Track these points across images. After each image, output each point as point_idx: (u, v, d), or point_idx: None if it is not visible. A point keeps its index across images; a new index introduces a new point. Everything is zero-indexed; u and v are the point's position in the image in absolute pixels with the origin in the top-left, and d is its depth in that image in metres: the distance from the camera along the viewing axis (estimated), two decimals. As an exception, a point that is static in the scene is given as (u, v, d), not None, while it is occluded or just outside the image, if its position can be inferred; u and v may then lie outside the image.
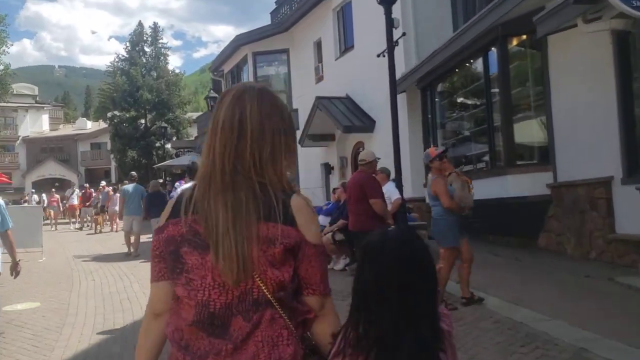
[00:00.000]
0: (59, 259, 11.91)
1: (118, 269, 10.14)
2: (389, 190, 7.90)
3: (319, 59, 18.23)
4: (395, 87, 8.79)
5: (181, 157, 27.25)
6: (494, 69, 9.91)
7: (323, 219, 9.26)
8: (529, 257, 8.56)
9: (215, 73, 24.22)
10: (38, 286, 8.63)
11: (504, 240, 9.97)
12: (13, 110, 51.65)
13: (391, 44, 8.69)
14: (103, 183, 21.95)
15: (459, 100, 12.02)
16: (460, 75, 11.86)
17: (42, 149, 51.82)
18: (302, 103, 18.79)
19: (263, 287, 1.39)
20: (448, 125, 12.47)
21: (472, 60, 11.11)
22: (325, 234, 8.77)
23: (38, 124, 53.69)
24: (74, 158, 52.38)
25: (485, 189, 9.89)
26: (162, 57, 35.72)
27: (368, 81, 14.89)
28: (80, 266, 10.79)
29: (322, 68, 17.96)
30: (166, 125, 30.61)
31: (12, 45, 24.10)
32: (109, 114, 35.90)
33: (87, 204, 20.59)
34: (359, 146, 16.08)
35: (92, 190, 21.50)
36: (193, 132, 33.41)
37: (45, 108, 56.73)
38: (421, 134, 12.94)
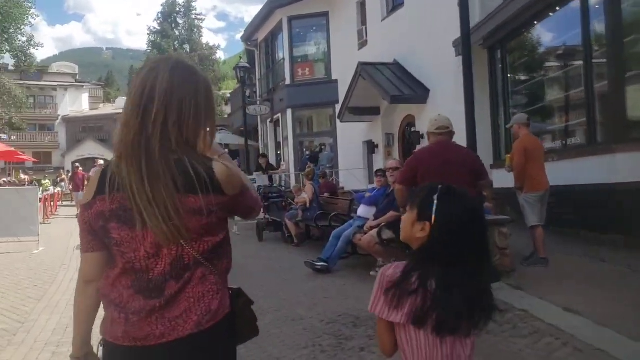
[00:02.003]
0: (57, 251, 10.20)
1: (115, 266, 8.31)
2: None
3: (363, 20, 15.96)
4: (469, 35, 6.51)
5: (213, 135, 25.52)
6: (597, 13, 7.47)
7: (366, 210, 7.13)
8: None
9: (248, 43, 22.21)
10: (7, 290, 6.86)
11: (605, 238, 7.57)
12: (52, 89, 51.23)
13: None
14: (100, 162, 19.81)
15: (541, 59, 9.57)
16: (544, 27, 9.39)
17: (82, 129, 51.32)
18: (342, 72, 16.64)
19: (194, 253, 1.49)
20: (523, 91, 10.04)
21: (558, 8, 8.65)
22: (369, 229, 6.64)
23: (78, 103, 53.18)
24: (113, 138, 51.73)
25: (580, 171, 7.61)
26: (195, 30, 33.80)
27: (420, 44, 12.64)
28: (76, 260, 9.01)
29: (365, 31, 15.67)
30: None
31: (37, 16, 22.67)
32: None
33: (82, 187, 17.96)
34: (409, 120, 13.83)
35: (85, 172, 19.50)
36: (227, 110, 31.63)
37: (85, 87, 56.20)
38: (488, 103, 10.55)
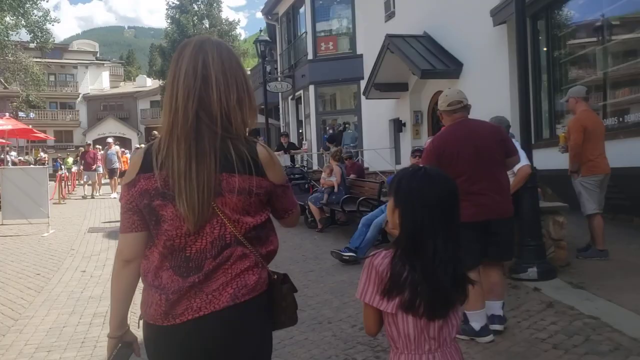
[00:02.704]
0: (68, 234, 9.69)
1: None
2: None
3: (390, -10, 14.98)
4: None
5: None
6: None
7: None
8: None
9: (269, 17, 21.35)
10: (7, 280, 6.31)
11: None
12: (73, 67, 51.01)
13: None
14: (110, 140, 17.89)
15: (593, 26, 8.61)
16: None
17: (103, 107, 51.15)
18: (367, 47, 15.78)
19: (236, 233, 1.52)
20: (571, 62, 9.10)
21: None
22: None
23: (98, 82, 52.98)
24: (134, 116, 51.58)
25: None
26: (215, 4, 32.87)
27: (453, 14, 11.74)
28: (85, 245, 8.50)
29: (393, 2, 14.70)
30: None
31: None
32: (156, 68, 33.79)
33: (93, 167, 16.85)
34: (439, 96, 12.94)
35: (97, 149, 18.03)
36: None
37: (105, 65, 55.89)
38: (529, 77, 9.63)
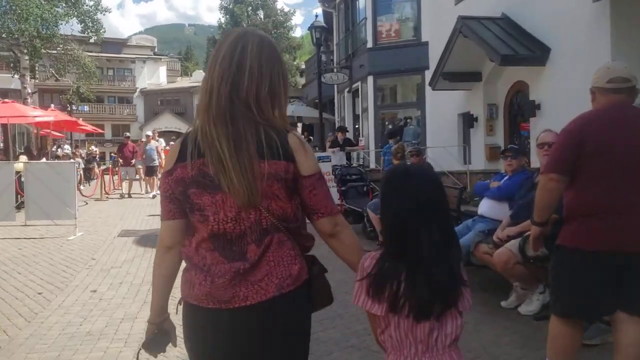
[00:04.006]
0: (96, 238, 8.64)
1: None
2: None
3: (462, -32, 13.30)
4: None
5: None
6: None
7: (493, 207, 4.85)
8: None
9: (325, 4, 20.01)
10: (1, 300, 5.21)
11: None
12: (131, 62, 51.44)
13: None
14: (149, 133, 16.16)
15: None
16: None
17: (160, 102, 51.44)
18: (434, 33, 14.20)
19: (271, 217, 1.54)
20: None
21: None
22: (504, 239, 4.38)
23: (155, 77, 53.31)
24: (190, 111, 51.56)
25: None
26: (270, -6, 31.85)
27: (538, -9, 10.01)
28: (109, 253, 7.40)
29: (465, -19, 13.02)
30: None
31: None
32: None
33: (132, 162, 15.43)
34: (519, 88, 11.22)
35: (141, 143, 16.32)
36: (301, 81, 29.66)
37: (162, 60, 56.21)
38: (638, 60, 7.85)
